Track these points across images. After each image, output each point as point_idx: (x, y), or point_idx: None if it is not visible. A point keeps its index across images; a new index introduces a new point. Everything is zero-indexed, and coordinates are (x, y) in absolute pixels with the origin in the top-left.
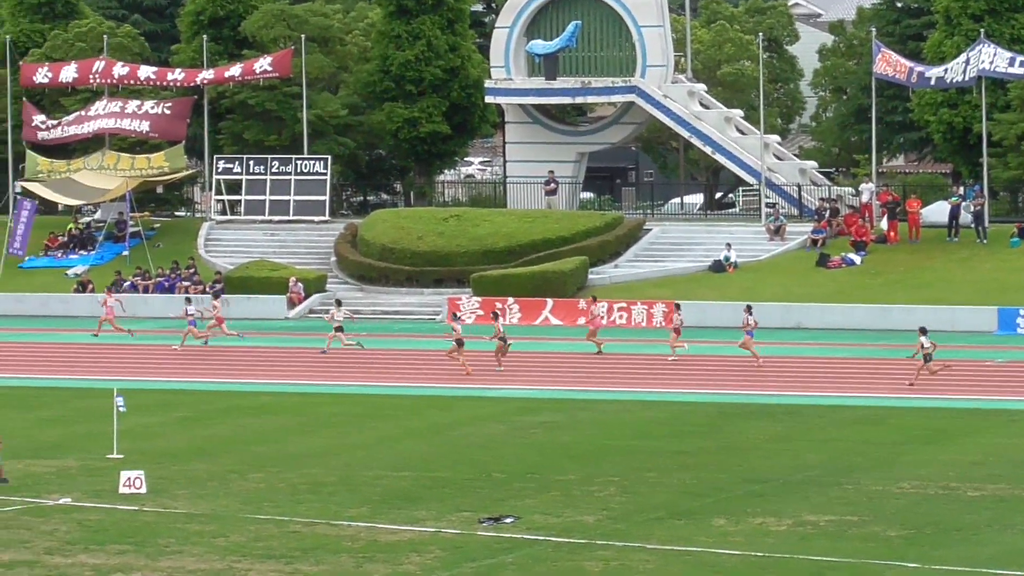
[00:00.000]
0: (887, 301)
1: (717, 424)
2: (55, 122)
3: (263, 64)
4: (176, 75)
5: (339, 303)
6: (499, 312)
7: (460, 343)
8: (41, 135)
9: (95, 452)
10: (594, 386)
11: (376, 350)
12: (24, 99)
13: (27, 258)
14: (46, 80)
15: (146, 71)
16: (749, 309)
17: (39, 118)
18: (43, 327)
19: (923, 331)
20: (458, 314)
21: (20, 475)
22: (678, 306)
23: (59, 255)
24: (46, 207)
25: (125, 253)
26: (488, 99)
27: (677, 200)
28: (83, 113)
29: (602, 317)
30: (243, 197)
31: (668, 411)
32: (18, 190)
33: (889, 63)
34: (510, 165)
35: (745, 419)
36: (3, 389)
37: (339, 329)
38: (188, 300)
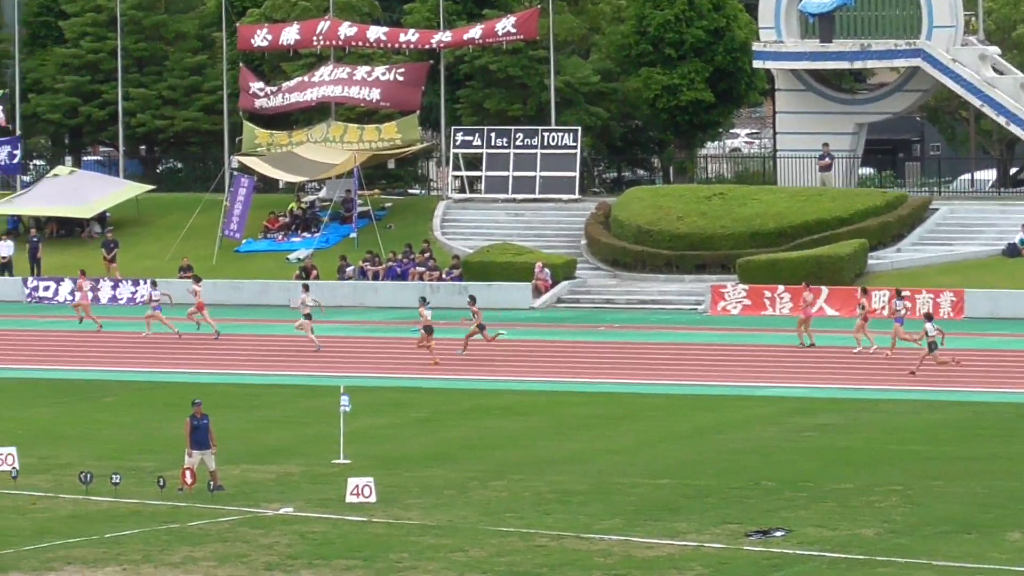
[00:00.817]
0: None
1: (1013, 427)
2: (274, 89)
3: (506, 25)
4: (409, 36)
5: (307, 288)
6: (474, 296)
7: (429, 330)
8: (259, 103)
9: (320, 457)
10: (876, 385)
11: (632, 344)
12: (241, 64)
13: (244, 241)
14: (265, 43)
15: (376, 32)
16: (898, 293)
17: (257, 85)
18: (262, 317)
19: (928, 317)
20: (426, 297)
21: (238, 482)
22: (865, 291)
23: (280, 238)
24: (265, 184)
25: (352, 235)
26: (756, 64)
27: (967, 176)
28: (306, 79)
29: (812, 306)
30: (483, 173)
31: (958, 413)
32: (234, 165)
33: None
34: (780, 137)
35: None
36: (221, 387)
37: (308, 316)
38: (153, 284)
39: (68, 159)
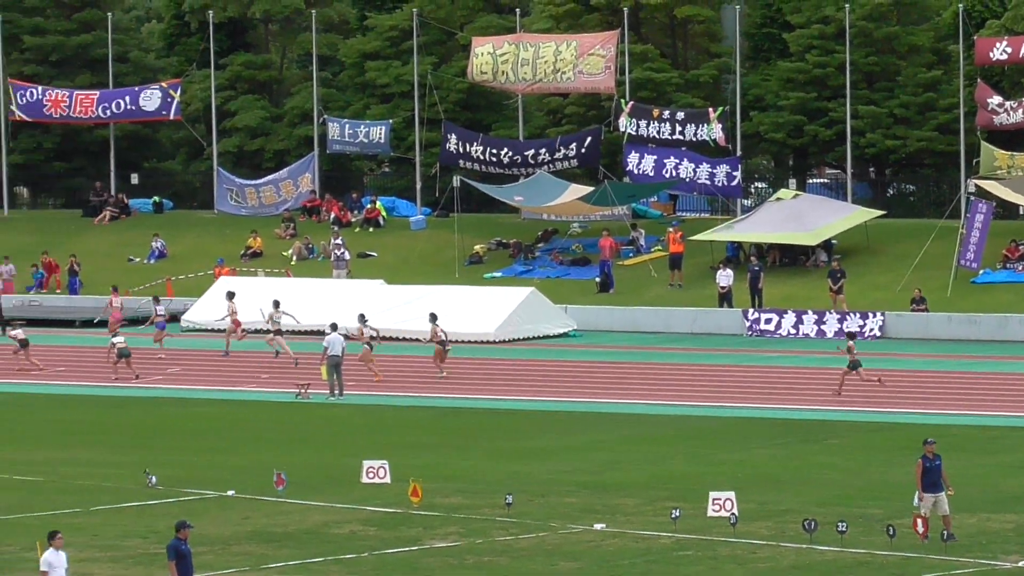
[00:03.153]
0: None
1: None
2: (1015, 104)
3: None
4: None
5: (277, 304)
6: (435, 314)
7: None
8: (998, 120)
9: None
10: None
11: None
12: (979, 79)
13: (982, 271)
14: (1004, 56)
15: None
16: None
17: (995, 100)
18: (1001, 354)
19: (851, 336)
20: (365, 315)
21: (974, 532)
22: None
23: (1020, 268)
24: (1005, 210)
25: None
26: None
27: None
28: None
29: None
30: None
31: None
32: (971, 189)
33: None
34: None
35: None
36: (955, 428)
37: (279, 332)
38: (156, 300)
39: (791, 182)
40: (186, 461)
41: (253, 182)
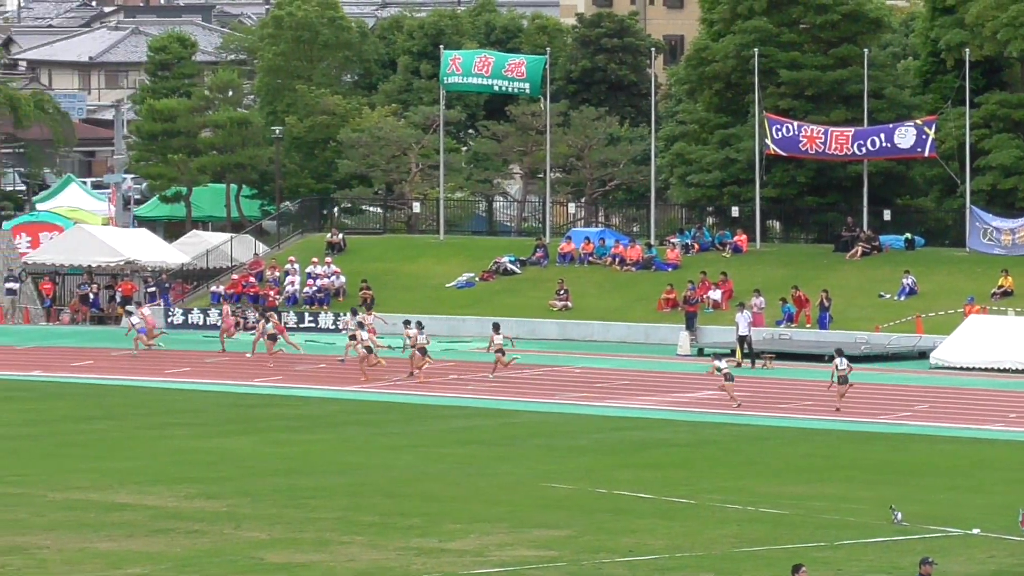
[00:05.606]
0: None
1: None
2: None
3: None
4: None
5: (266, 316)
6: (410, 321)
7: (423, 351)
8: None
9: None
10: None
11: None
12: None
13: None
14: None
15: None
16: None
17: None
18: None
19: (839, 352)
20: (418, 322)
21: None
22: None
23: None
24: None
25: None
26: None
27: None
28: None
29: None
30: None
31: None
32: None
33: None
34: None
35: None
36: None
37: (272, 338)
38: (136, 304)
39: None
40: (931, 498)
41: (1008, 222)
